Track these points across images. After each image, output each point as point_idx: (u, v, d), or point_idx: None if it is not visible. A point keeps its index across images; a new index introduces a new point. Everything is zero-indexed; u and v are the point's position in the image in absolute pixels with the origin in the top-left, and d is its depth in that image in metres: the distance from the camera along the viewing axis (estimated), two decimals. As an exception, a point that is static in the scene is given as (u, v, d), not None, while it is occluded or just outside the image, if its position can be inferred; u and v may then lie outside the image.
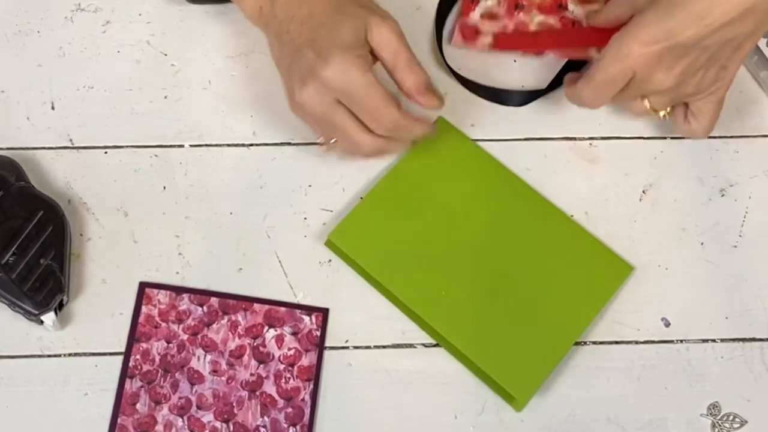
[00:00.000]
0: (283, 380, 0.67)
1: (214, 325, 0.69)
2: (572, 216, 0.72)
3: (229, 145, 0.73)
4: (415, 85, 0.66)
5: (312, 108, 0.65)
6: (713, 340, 0.70)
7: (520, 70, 0.76)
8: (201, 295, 0.69)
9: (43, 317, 0.66)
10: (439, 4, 0.77)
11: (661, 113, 0.69)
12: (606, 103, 0.67)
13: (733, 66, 0.66)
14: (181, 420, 0.67)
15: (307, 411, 0.67)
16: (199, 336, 0.68)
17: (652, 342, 0.69)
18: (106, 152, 0.73)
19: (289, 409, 0.67)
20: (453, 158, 0.72)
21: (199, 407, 0.67)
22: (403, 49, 0.66)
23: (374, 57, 0.66)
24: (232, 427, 0.67)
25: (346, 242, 0.70)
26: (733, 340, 0.70)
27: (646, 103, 0.68)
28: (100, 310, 0.69)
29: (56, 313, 0.67)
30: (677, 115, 0.69)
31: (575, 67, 0.75)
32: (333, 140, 0.68)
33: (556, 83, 0.75)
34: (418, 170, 0.72)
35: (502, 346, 0.68)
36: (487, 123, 0.74)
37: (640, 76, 0.64)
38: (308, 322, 0.69)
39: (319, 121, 0.66)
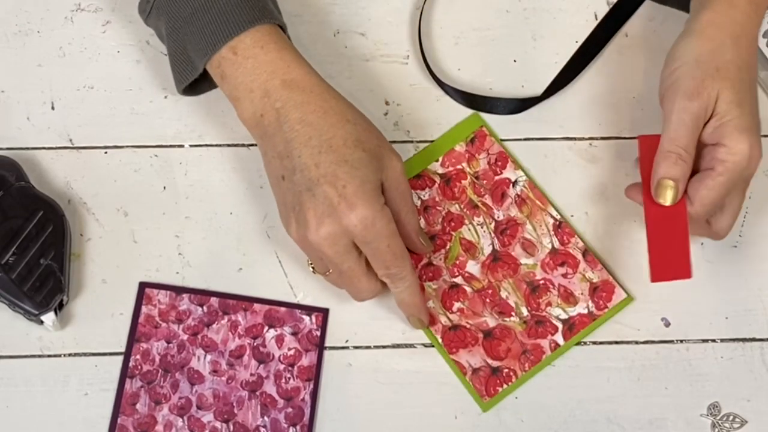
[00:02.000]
0: (283, 380, 0.67)
1: (214, 325, 0.69)
2: (572, 216, 0.72)
3: (229, 145, 0.73)
4: (415, 228, 0.66)
5: (324, 249, 0.62)
6: (713, 340, 0.70)
7: (520, 70, 0.76)
8: (201, 295, 0.69)
9: (43, 317, 0.66)
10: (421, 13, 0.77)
11: None
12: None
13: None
14: (181, 420, 0.67)
15: (307, 411, 0.67)
16: (199, 336, 0.68)
17: (652, 342, 0.69)
18: (106, 152, 0.73)
19: (289, 409, 0.67)
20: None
21: (199, 407, 0.67)
22: (409, 192, 0.66)
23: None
24: (232, 427, 0.66)
25: None
26: (733, 340, 0.70)
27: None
28: (100, 310, 0.69)
29: (56, 313, 0.67)
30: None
31: (574, 69, 0.75)
32: (328, 272, 0.65)
33: (552, 90, 0.75)
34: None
35: None
36: (487, 123, 0.74)
37: (749, 166, 0.63)
38: (308, 322, 0.69)
39: (325, 260, 0.64)
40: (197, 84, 0.69)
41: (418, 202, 0.71)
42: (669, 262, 0.65)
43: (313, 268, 0.67)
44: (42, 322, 0.67)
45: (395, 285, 0.65)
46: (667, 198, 0.63)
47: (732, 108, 0.62)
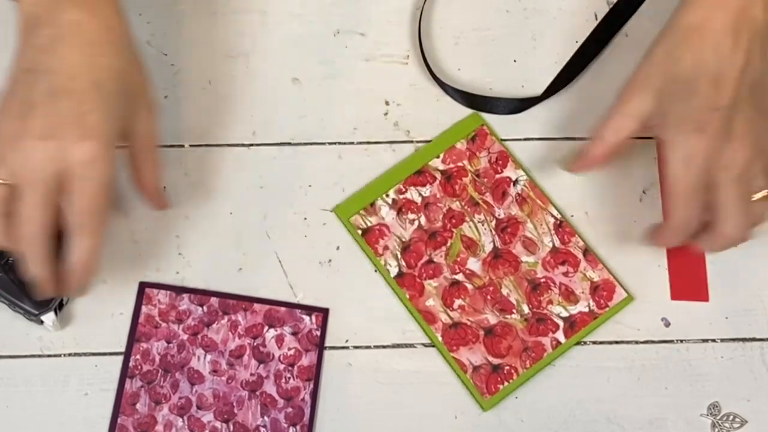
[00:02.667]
0: (283, 380, 0.67)
1: (214, 325, 0.69)
2: (572, 216, 0.72)
3: (229, 145, 0.73)
4: (155, 183, 0.65)
5: (28, 161, 0.56)
6: (713, 340, 0.70)
7: (520, 70, 0.76)
8: (201, 295, 0.69)
9: (43, 317, 0.66)
10: (421, 13, 0.77)
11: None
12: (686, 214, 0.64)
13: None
14: (181, 420, 0.67)
15: (307, 411, 0.67)
16: (199, 336, 0.68)
17: (652, 342, 0.69)
18: (106, 152, 0.73)
19: (289, 409, 0.67)
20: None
21: (199, 407, 0.67)
22: (156, 146, 0.64)
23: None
24: (232, 427, 0.67)
25: (350, 217, 0.71)
26: (733, 340, 0.70)
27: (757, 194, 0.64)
28: (100, 310, 0.69)
29: (56, 313, 0.67)
30: None
31: (576, 68, 0.75)
32: None
33: (552, 90, 0.75)
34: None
35: None
36: (488, 123, 0.74)
37: (711, 164, 0.62)
38: (308, 322, 0.69)
39: (11, 176, 0.57)
40: None
41: (419, 199, 0.71)
42: (687, 283, 0.70)
43: None
44: (42, 322, 0.67)
45: (82, 238, 0.59)
46: None
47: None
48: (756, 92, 0.63)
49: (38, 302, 0.66)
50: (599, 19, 0.77)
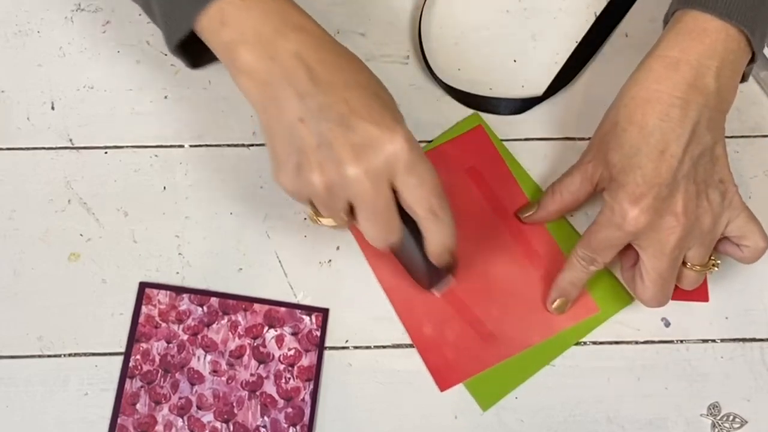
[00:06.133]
0: (283, 380, 0.67)
1: (214, 325, 0.69)
2: (572, 216, 0.72)
3: (229, 145, 0.73)
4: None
5: (364, 183, 0.57)
6: (713, 340, 0.70)
7: (520, 70, 0.76)
8: (201, 295, 0.69)
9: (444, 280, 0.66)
10: (421, 11, 0.77)
11: (711, 264, 0.66)
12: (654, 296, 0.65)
13: (725, 174, 0.65)
14: (181, 420, 0.67)
15: (307, 411, 0.67)
16: (199, 336, 0.68)
17: (652, 342, 0.69)
18: (106, 152, 0.73)
19: (289, 409, 0.67)
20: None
21: (199, 407, 0.67)
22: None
23: None
24: (232, 427, 0.67)
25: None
26: (733, 340, 0.70)
27: (690, 268, 0.65)
28: (100, 310, 0.69)
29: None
30: (729, 251, 0.67)
31: (574, 69, 0.75)
32: (343, 215, 0.60)
33: (552, 89, 0.75)
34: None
35: None
36: (486, 123, 0.74)
37: (646, 236, 0.63)
38: (308, 322, 0.69)
39: (358, 200, 0.58)
40: (189, 47, 0.65)
41: None
42: None
43: (315, 217, 0.62)
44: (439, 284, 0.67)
45: (438, 221, 0.59)
46: None
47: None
48: (700, 164, 0.63)
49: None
50: (599, 19, 0.77)
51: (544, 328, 0.69)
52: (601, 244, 0.65)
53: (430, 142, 0.73)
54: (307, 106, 0.58)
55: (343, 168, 0.57)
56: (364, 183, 0.57)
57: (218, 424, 0.67)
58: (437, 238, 0.60)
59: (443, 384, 0.67)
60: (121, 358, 0.68)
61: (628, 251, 0.66)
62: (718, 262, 0.67)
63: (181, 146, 0.73)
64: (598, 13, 0.78)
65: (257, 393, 0.67)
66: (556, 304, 0.68)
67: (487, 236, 0.70)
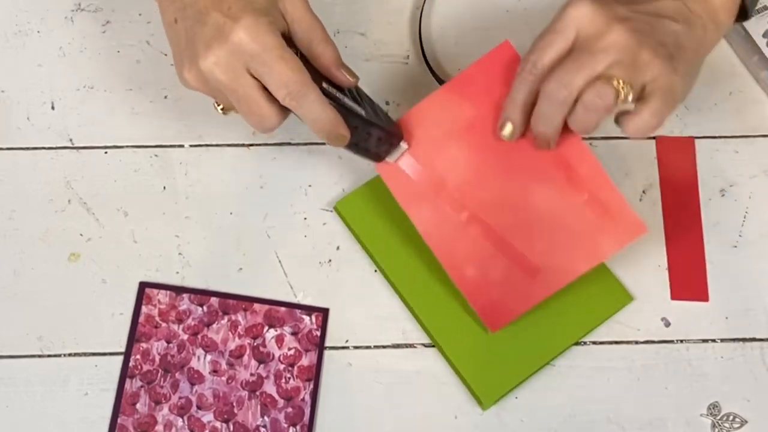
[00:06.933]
0: (283, 380, 0.67)
1: (214, 325, 0.69)
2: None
3: (229, 145, 0.73)
4: (334, 59, 0.64)
5: (217, 76, 0.59)
6: (713, 340, 0.70)
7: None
8: (201, 295, 0.69)
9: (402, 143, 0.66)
10: (421, 11, 0.77)
11: (623, 91, 0.60)
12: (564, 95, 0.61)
13: (681, 63, 0.61)
14: (181, 420, 0.67)
15: (307, 411, 0.67)
16: (199, 336, 0.68)
17: (652, 342, 0.69)
18: (106, 152, 0.73)
19: (289, 409, 0.67)
20: None
21: (199, 407, 0.67)
22: (317, 22, 0.63)
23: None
24: (232, 427, 0.67)
25: (351, 213, 0.71)
26: (733, 340, 0.70)
27: (613, 82, 0.60)
28: (100, 310, 0.69)
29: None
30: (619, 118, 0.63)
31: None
32: (233, 110, 0.63)
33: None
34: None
35: (479, 346, 0.68)
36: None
37: (586, 37, 0.60)
38: (308, 322, 0.69)
39: (223, 90, 0.61)
40: None
41: None
42: (687, 283, 0.70)
43: (222, 109, 0.64)
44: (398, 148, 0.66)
45: (300, 104, 0.60)
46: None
47: None
48: (663, 27, 0.61)
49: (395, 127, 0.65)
50: (599, 18, 0.77)
51: (591, 255, 0.66)
52: (538, 44, 0.62)
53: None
54: (176, 6, 0.62)
55: (198, 62, 0.60)
56: (217, 74, 0.59)
57: (218, 424, 0.67)
58: (309, 116, 0.61)
59: (494, 325, 0.66)
60: (121, 358, 0.68)
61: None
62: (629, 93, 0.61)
63: (181, 146, 0.73)
64: (598, 13, 0.78)
65: (257, 393, 0.67)
66: (505, 130, 0.64)
67: (523, 167, 0.67)
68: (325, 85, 0.62)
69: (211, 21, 0.59)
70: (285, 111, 0.62)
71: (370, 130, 0.64)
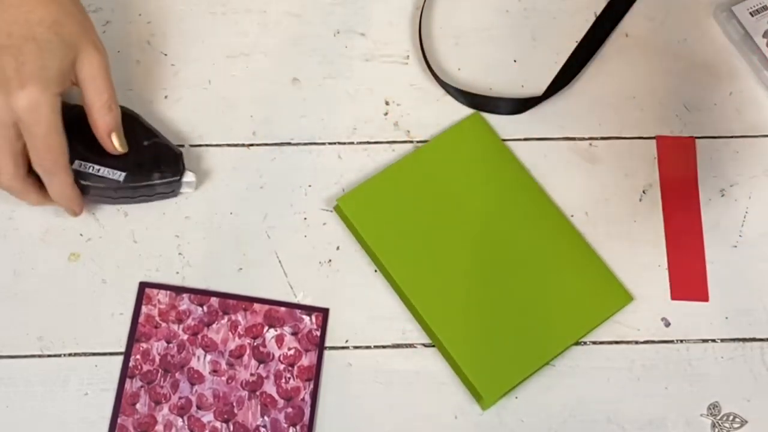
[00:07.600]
0: (283, 380, 0.67)
1: (214, 325, 0.69)
2: (572, 216, 0.72)
3: (229, 145, 0.73)
4: (107, 129, 0.66)
5: None
6: (713, 340, 0.70)
7: (520, 70, 0.76)
8: (201, 295, 0.69)
9: (183, 179, 0.69)
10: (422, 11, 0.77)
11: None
12: None
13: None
14: (181, 420, 0.67)
15: (307, 411, 0.67)
16: (199, 336, 0.68)
17: (652, 342, 0.69)
18: (106, 152, 0.73)
19: (289, 409, 0.67)
20: (478, 154, 0.73)
21: (199, 407, 0.67)
22: (106, 88, 0.65)
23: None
24: (232, 427, 0.67)
25: (353, 210, 0.70)
26: (733, 340, 0.70)
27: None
28: (100, 310, 0.69)
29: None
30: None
31: (574, 68, 0.76)
32: None
33: (552, 89, 0.75)
34: (440, 158, 0.72)
35: (481, 344, 0.68)
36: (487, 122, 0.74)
37: None
38: (308, 322, 0.69)
39: None
40: None
41: None
42: (687, 283, 0.70)
43: None
44: (182, 185, 0.70)
45: (46, 178, 0.65)
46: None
47: None
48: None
49: (169, 171, 0.69)
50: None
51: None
52: None
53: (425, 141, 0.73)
54: None
55: None
56: None
57: (218, 424, 0.67)
58: (51, 190, 0.66)
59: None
60: (121, 358, 0.68)
61: None
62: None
63: (181, 146, 0.73)
64: (598, 13, 0.78)
65: (257, 393, 0.67)
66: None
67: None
68: (79, 164, 0.67)
69: (3, 64, 0.61)
70: (25, 180, 0.65)
71: (134, 188, 0.68)
